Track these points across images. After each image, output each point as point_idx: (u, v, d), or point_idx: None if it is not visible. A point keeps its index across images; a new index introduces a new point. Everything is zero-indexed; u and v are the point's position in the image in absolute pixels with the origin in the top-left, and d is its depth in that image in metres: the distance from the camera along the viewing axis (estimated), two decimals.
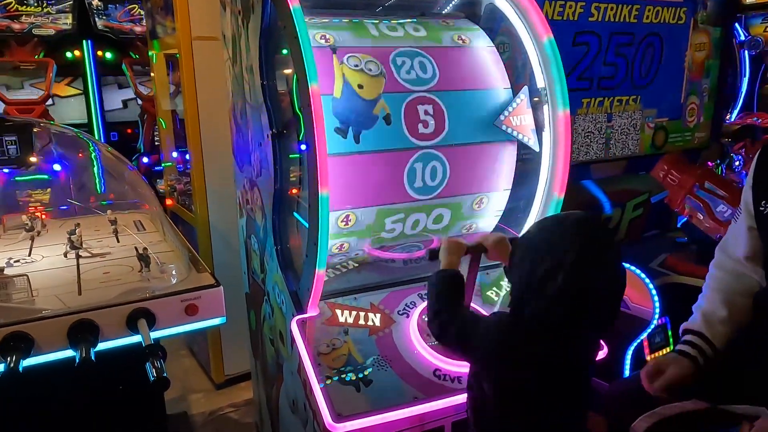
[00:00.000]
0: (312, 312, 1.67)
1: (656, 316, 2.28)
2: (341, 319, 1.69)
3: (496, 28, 2.03)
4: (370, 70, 1.73)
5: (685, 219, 2.49)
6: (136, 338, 1.50)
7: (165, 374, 1.41)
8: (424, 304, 1.77)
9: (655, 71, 2.79)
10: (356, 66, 1.71)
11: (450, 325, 1.33)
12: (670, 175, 2.09)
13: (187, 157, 2.95)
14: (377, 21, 1.89)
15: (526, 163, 1.97)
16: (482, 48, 1.98)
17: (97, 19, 6.75)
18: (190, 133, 2.80)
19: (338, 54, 1.71)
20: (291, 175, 1.79)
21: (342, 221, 1.75)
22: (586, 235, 1.15)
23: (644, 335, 2.33)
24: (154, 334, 1.51)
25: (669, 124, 2.97)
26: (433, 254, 1.52)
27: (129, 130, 7.44)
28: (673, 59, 2.85)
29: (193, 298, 1.58)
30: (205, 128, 2.80)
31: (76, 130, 2.42)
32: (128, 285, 1.66)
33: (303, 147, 1.64)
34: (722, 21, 3.01)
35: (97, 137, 7.50)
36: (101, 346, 1.48)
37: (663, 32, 2.74)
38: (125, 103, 7.21)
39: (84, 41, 6.60)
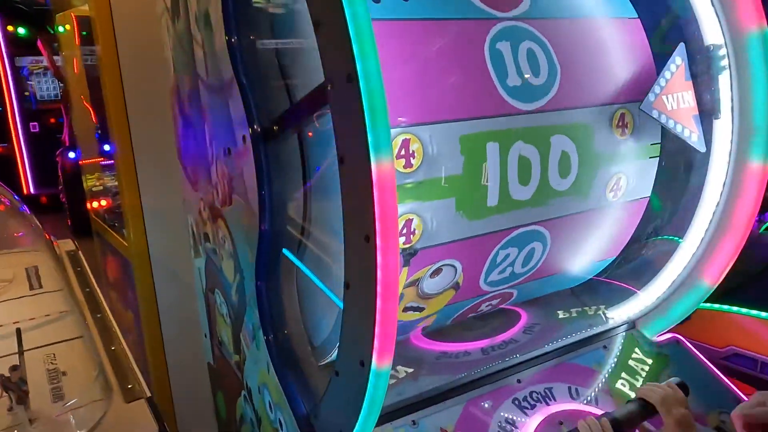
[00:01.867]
0: None
1: None
2: None
3: None
4: None
5: None
6: None
7: None
8: (528, 418, 1.04)
9: None
10: None
11: None
12: None
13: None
14: None
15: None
16: None
17: None
18: (115, 127, 1.93)
19: None
20: (290, 208, 0.99)
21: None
22: None
23: None
24: None
25: None
26: None
27: (52, 120, 6.47)
28: None
29: None
30: (135, 118, 1.93)
31: None
32: None
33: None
34: None
35: (12, 129, 6.51)
36: None
37: None
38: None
39: None
